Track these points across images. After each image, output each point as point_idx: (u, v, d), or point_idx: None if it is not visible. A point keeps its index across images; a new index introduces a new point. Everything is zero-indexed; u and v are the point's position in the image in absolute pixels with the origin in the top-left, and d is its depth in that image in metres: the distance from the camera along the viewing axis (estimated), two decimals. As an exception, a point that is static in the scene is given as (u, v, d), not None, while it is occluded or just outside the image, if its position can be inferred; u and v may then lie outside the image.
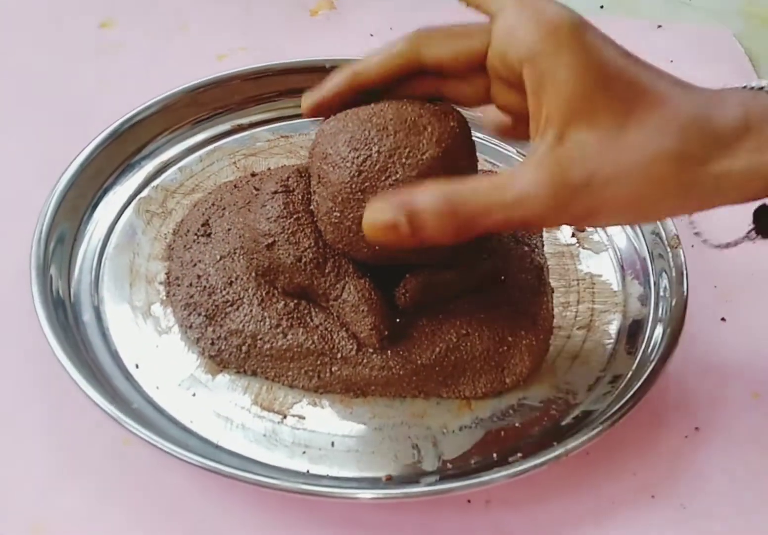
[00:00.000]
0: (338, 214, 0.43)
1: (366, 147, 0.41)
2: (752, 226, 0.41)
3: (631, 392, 0.43)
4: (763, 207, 0.41)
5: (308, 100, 0.44)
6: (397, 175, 0.41)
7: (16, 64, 0.66)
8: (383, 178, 0.41)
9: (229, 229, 0.50)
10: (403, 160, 0.41)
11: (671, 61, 0.67)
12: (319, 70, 0.60)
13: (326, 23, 0.72)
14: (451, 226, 0.36)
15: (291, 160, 0.58)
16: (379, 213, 0.37)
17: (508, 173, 0.36)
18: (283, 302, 0.46)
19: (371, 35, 0.71)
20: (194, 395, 0.45)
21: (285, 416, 0.44)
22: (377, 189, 0.41)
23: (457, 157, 0.42)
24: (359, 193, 0.42)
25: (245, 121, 0.60)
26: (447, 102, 0.43)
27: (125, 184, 0.55)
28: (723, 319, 0.51)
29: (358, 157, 0.41)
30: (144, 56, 0.68)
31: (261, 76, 0.60)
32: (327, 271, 0.45)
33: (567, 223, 0.39)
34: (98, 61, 0.67)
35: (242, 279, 0.47)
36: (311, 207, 0.45)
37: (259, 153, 0.58)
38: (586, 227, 0.53)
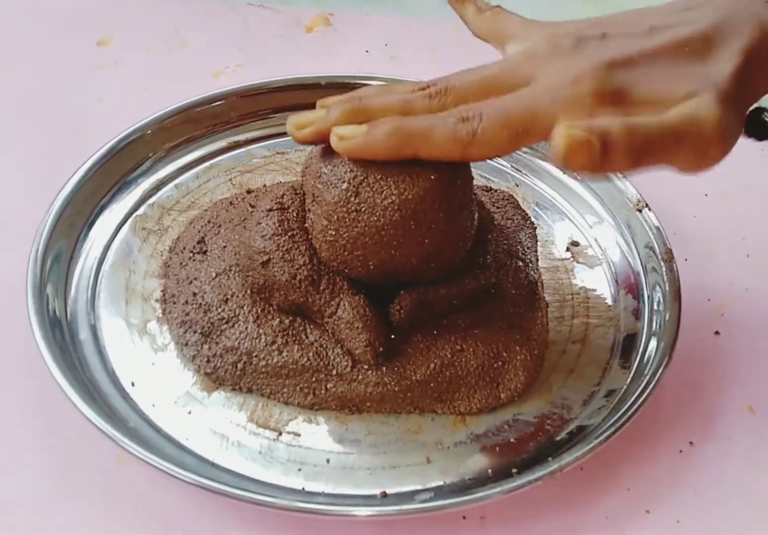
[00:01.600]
0: (333, 233, 0.42)
1: (361, 167, 0.41)
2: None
3: (625, 407, 0.43)
4: (756, 110, 0.42)
5: (304, 130, 0.42)
6: (393, 197, 0.41)
7: (13, 81, 0.66)
8: (378, 198, 0.41)
9: (224, 247, 0.50)
10: (399, 180, 0.41)
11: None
12: (314, 87, 0.61)
13: (322, 40, 0.72)
14: (637, 151, 0.36)
15: (287, 176, 0.58)
16: (573, 133, 0.36)
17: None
18: (278, 319, 0.46)
19: (366, 51, 0.71)
20: (190, 412, 0.45)
21: (280, 433, 0.44)
22: (372, 209, 0.41)
23: (454, 176, 0.42)
24: (354, 213, 0.41)
25: (241, 138, 0.60)
26: None
27: (121, 201, 0.55)
28: (717, 332, 0.51)
29: (353, 178, 0.41)
30: (141, 73, 0.68)
31: (257, 94, 0.60)
32: (322, 288, 0.45)
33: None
34: (96, 79, 0.67)
35: (238, 296, 0.47)
36: (306, 224, 0.45)
37: (255, 170, 0.58)
38: None
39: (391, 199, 0.41)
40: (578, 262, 0.53)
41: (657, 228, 0.52)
